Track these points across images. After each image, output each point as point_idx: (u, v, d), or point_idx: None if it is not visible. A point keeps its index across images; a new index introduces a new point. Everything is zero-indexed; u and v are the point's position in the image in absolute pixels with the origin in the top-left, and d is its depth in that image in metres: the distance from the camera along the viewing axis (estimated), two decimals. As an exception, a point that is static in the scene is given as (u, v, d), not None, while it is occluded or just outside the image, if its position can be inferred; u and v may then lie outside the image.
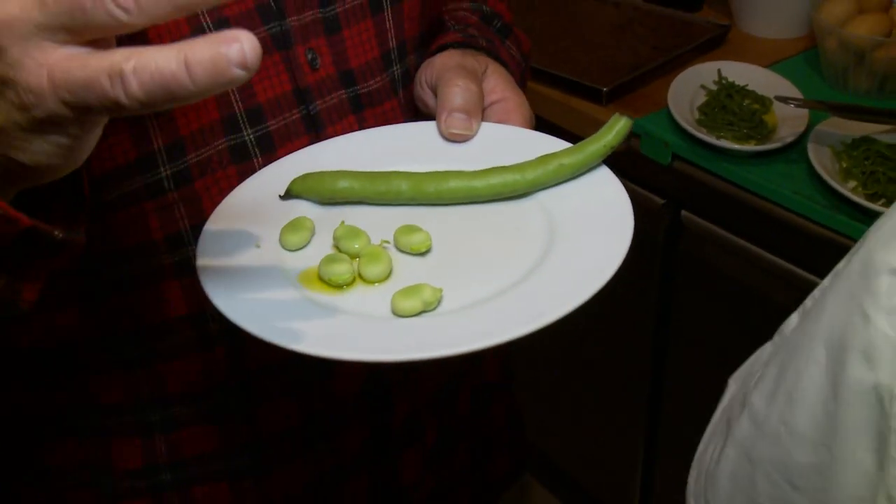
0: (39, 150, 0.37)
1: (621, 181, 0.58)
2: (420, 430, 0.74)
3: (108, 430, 0.64)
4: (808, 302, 0.47)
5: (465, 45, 0.74)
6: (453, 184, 0.58)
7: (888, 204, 0.98)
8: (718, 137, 1.14)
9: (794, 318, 0.49)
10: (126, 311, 0.58)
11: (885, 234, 0.40)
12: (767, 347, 0.52)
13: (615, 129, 0.57)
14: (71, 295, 0.57)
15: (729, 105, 1.18)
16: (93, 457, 0.64)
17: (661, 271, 1.32)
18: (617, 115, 0.59)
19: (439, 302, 0.50)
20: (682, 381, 1.38)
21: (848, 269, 0.42)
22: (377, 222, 0.57)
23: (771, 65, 1.32)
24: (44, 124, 0.35)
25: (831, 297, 0.42)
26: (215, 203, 0.55)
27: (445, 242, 0.56)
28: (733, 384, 0.56)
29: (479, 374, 0.84)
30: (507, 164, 0.58)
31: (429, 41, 0.75)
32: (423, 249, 0.55)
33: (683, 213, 1.23)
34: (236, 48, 0.31)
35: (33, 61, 0.33)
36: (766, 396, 0.45)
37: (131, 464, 0.63)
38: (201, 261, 0.51)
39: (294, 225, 0.56)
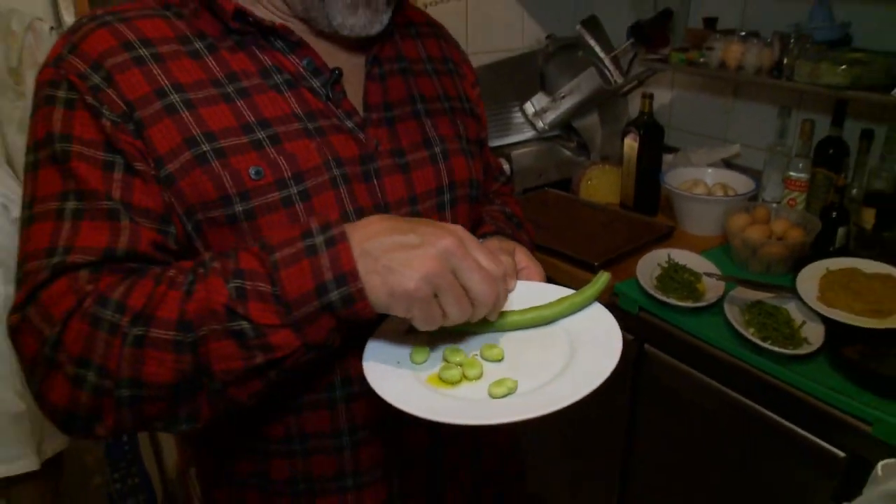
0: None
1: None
2: (458, 479, 0.96)
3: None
4: None
5: (498, 233, 1.00)
6: (509, 319, 0.78)
7: (773, 343, 1.30)
8: (668, 297, 1.47)
9: None
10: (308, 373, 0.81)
11: None
12: None
13: (601, 280, 0.80)
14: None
15: (675, 277, 1.53)
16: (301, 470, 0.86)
17: (631, 387, 1.62)
18: (601, 272, 0.82)
19: (516, 388, 0.69)
20: (646, 469, 1.66)
21: None
22: (466, 342, 0.78)
23: (701, 252, 1.66)
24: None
25: None
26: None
27: (510, 354, 0.76)
28: (882, 471, 0.63)
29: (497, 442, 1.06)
30: (536, 305, 0.79)
31: (476, 227, 1.01)
32: (500, 359, 0.75)
33: (646, 346, 1.56)
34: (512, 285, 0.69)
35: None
36: None
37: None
38: (367, 373, 0.71)
39: (417, 350, 0.75)
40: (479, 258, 0.69)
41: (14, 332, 0.73)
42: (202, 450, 0.95)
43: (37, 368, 0.70)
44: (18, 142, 1.66)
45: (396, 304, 0.68)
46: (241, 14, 0.80)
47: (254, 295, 0.67)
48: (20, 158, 1.65)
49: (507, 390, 0.69)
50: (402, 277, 0.66)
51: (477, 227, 1.04)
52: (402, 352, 0.76)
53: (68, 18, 1.67)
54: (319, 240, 0.69)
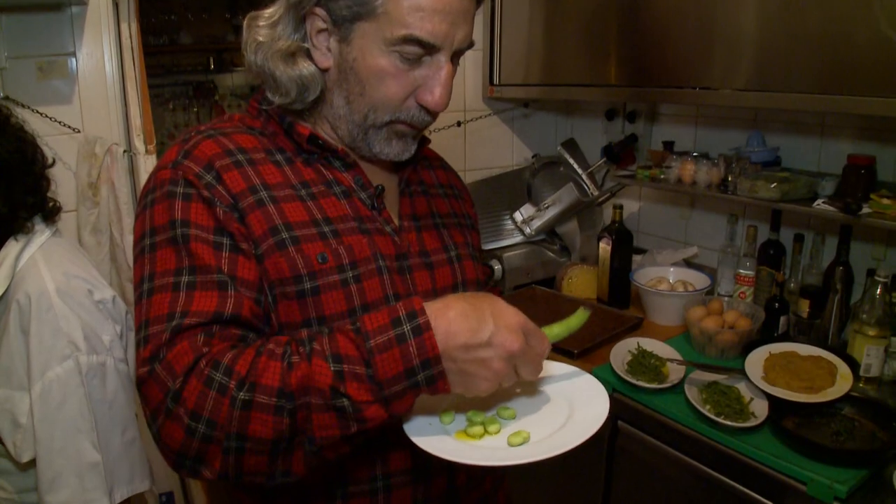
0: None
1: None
2: None
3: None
4: None
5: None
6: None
7: (726, 418, 1.44)
8: (637, 380, 1.61)
9: None
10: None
11: None
12: None
13: (582, 314, 0.94)
14: None
15: (643, 362, 1.66)
16: None
17: (606, 459, 1.74)
18: (581, 308, 0.94)
19: (529, 438, 0.82)
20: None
21: None
22: (485, 404, 0.89)
23: (666, 339, 1.81)
24: None
25: None
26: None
27: (521, 413, 0.88)
28: None
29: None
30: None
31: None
32: (513, 417, 0.88)
33: (619, 422, 1.68)
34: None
35: None
36: None
37: None
38: (407, 431, 0.83)
39: (445, 413, 0.87)
40: (538, 348, 0.82)
41: (141, 384, 0.82)
42: None
43: (158, 415, 0.80)
44: (90, 241, 1.90)
45: (475, 394, 0.81)
46: (314, 138, 1.01)
47: (351, 376, 0.77)
48: (92, 254, 1.88)
49: (522, 440, 0.81)
50: (477, 381, 0.79)
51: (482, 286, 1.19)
52: (433, 416, 0.87)
53: (139, 144, 1.93)
54: (407, 328, 0.78)
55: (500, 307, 0.81)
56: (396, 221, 1.06)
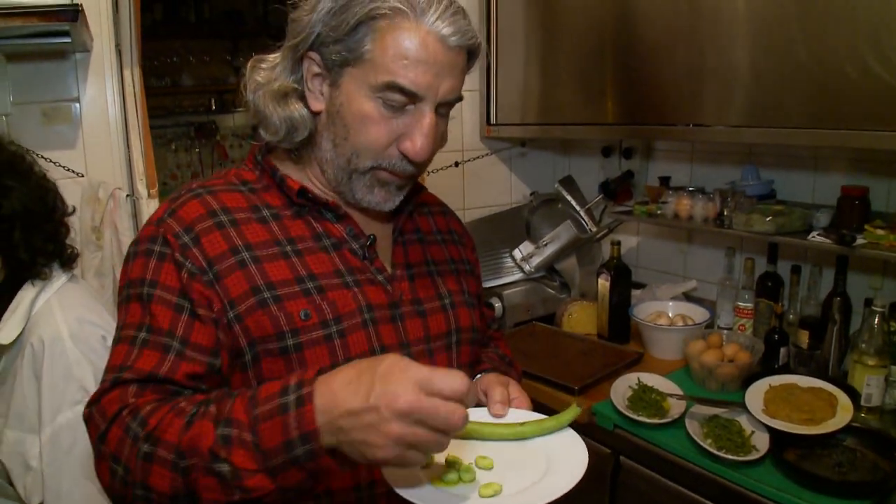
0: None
1: (585, 439, 0.91)
2: None
3: None
4: None
5: (494, 370, 1.16)
6: (498, 430, 0.93)
7: (728, 452, 1.45)
8: (638, 415, 1.60)
9: None
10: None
11: None
12: None
13: (571, 411, 0.94)
14: None
15: (643, 397, 1.66)
16: None
17: (610, 492, 1.74)
18: (573, 405, 0.95)
19: (500, 491, 0.82)
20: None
21: None
22: (465, 449, 0.89)
23: (666, 374, 1.82)
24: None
25: None
26: None
27: (498, 464, 0.88)
28: None
29: None
30: (517, 423, 0.94)
31: (473, 364, 1.16)
32: (490, 467, 0.88)
33: (621, 458, 1.69)
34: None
35: None
36: None
37: None
38: (386, 475, 0.83)
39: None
40: (442, 387, 0.73)
41: (85, 422, 0.90)
42: None
43: (95, 453, 0.87)
44: (94, 284, 1.92)
45: (378, 463, 0.77)
46: (304, 192, 1.03)
47: (238, 442, 0.77)
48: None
49: (493, 492, 0.81)
50: (373, 449, 0.73)
51: (476, 366, 1.19)
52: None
53: (141, 189, 1.96)
54: (291, 398, 0.76)
55: (392, 367, 0.75)
56: (389, 270, 1.08)
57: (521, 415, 0.99)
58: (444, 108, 1.00)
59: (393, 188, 1.03)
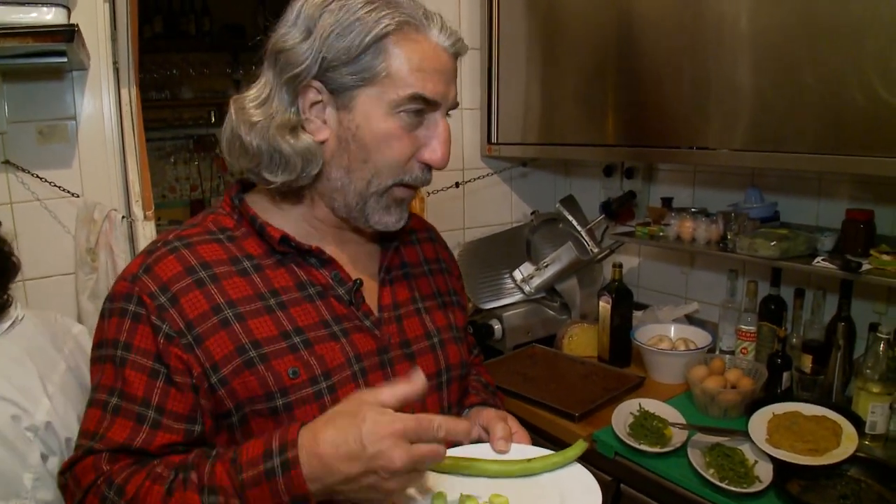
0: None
1: (590, 468, 0.93)
2: None
3: None
4: None
5: (484, 403, 1.18)
6: (506, 467, 0.94)
7: (731, 483, 1.42)
8: (640, 443, 1.57)
9: None
10: None
11: None
12: None
13: (578, 446, 0.96)
14: None
15: (645, 424, 1.63)
16: None
17: None
18: (581, 440, 0.97)
19: None
20: None
21: None
22: (478, 490, 0.89)
23: (667, 400, 1.80)
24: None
25: None
26: None
27: (513, 499, 0.88)
28: None
29: None
30: (525, 459, 0.95)
31: (461, 399, 1.18)
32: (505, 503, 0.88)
33: (622, 486, 1.66)
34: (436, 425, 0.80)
35: None
36: None
37: None
38: None
39: (438, 496, 0.88)
40: (426, 448, 0.80)
41: (61, 488, 0.92)
42: None
43: None
44: (89, 307, 1.89)
45: None
46: (285, 240, 1.01)
47: None
48: (89, 320, 1.86)
49: None
50: (373, 502, 0.79)
51: (464, 398, 1.20)
52: (426, 496, 0.89)
53: (137, 211, 1.94)
54: (276, 462, 0.79)
55: (373, 425, 0.78)
56: (376, 314, 1.06)
57: (523, 449, 0.99)
58: (448, 114, 1.02)
59: (404, 207, 1.04)
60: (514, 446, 1.00)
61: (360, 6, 0.93)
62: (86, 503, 0.85)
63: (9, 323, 1.29)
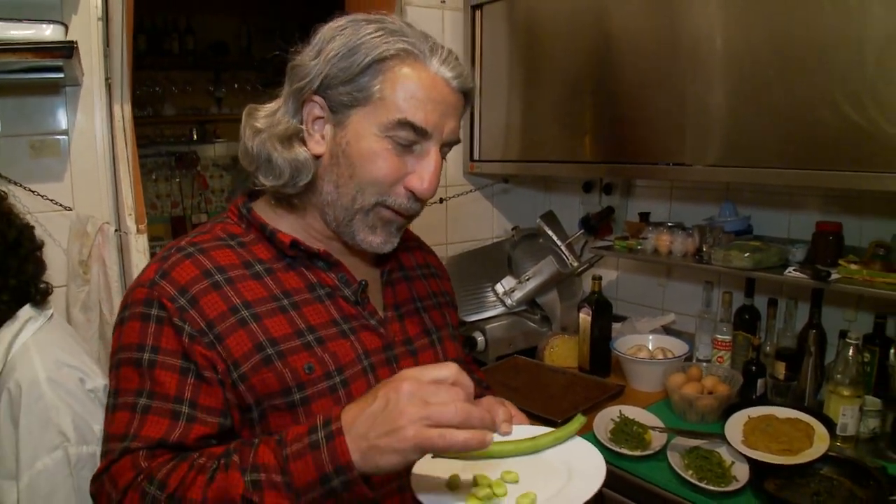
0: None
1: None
2: None
3: None
4: None
5: (480, 395, 1.12)
6: (513, 446, 0.94)
7: (709, 483, 1.46)
8: (621, 448, 1.62)
9: None
10: None
11: None
12: None
13: (578, 420, 0.98)
14: None
15: (625, 430, 1.68)
16: None
17: None
18: (578, 415, 1.00)
19: (536, 499, 0.85)
20: None
21: None
22: (490, 471, 0.91)
23: (647, 406, 1.85)
24: None
25: None
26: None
27: (523, 476, 0.91)
28: None
29: None
30: (531, 437, 0.96)
31: None
32: (517, 480, 0.90)
33: (604, 489, 1.62)
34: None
35: None
36: None
37: None
38: (422, 499, 0.86)
39: (453, 478, 0.90)
40: (435, 375, 0.82)
41: (93, 495, 0.91)
42: None
43: None
44: (80, 318, 1.91)
45: (412, 453, 0.78)
46: (295, 244, 1.04)
47: (268, 485, 0.80)
48: (82, 331, 1.89)
49: (530, 501, 0.84)
50: (397, 433, 0.77)
51: None
52: (441, 481, 0.90)
53: (130, 224, 1.96)
54: (321, 435, 0.81)
55: (392, 377, 0.83)
56: (381, 312, 1.10)
57: (526, 430, 1.01)
58: (445, 149, 1.03)
59: (393, 229, 1.05)
60: (515, 428, 1.02)
61: (369, 32, 0.97)
62: (125, 502, 0.85)
63: (51, 312, 1.43)
